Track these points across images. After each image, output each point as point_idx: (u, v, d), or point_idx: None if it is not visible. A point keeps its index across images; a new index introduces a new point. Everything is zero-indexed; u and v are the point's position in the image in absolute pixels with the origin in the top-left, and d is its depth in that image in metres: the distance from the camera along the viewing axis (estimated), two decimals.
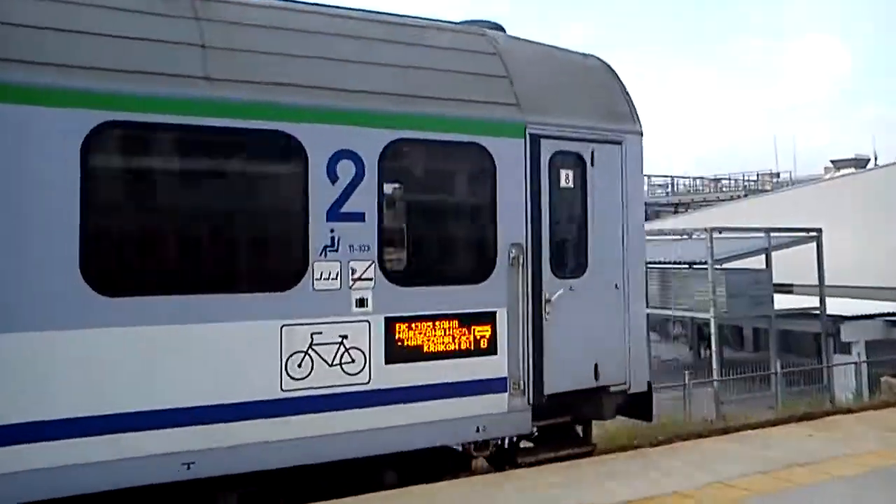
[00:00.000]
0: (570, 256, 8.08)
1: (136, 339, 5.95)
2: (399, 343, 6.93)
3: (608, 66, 8.77)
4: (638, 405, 8.61)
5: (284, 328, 6.45)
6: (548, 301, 7.64)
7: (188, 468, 6.11)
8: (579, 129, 7.93)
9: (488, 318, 7.33)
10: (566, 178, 7.87)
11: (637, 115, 8.55)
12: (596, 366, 7.95)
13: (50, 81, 5.70)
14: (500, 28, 8.83)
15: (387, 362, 6.87)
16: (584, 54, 8.88)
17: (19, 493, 5.49)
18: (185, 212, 6.35)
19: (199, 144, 6.36)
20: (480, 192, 7.55)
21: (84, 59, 5.88)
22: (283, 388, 6.46)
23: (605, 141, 8.11)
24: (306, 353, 6.55)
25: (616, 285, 8.13)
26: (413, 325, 6.99)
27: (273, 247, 6.76)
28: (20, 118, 5.57)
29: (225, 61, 6.39)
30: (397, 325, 6.92)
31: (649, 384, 8.56)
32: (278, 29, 6.82)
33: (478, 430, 7.28)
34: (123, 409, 5.93)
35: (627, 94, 8.57)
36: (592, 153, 7.97)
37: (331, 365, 6.64)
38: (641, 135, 8.54)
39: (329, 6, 7.39)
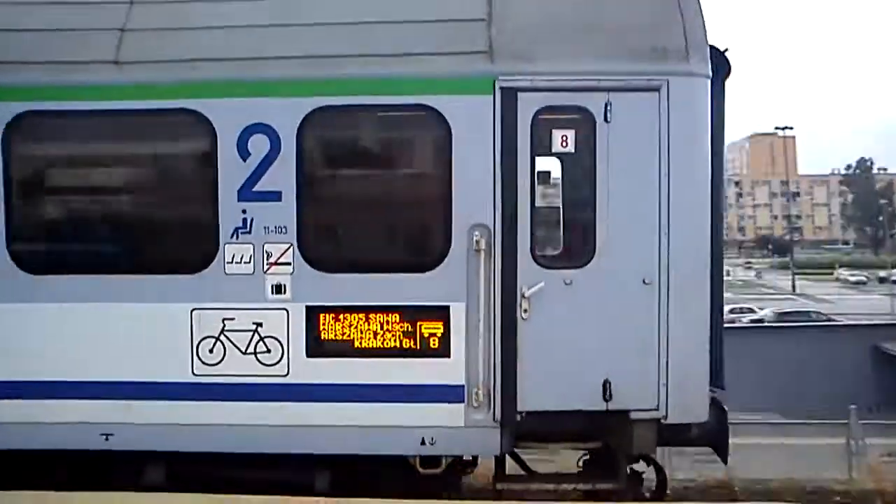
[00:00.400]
0: (565, 241, 6.30)
1: (56, 315, 6.40)
2: (323, 336, 6.23)
3: None
4: (712, 438, 6.44)
5: (195, 311, 6.30)
6: (524, 296, 6.08)
7: (106, 439, 6.40)
8: (584, 76, 6.05)
9: (439, 314, 6.15)
10: (563, 140, 6.10)
11: (697, 45, 6.14)
12: (607, 383, 6.09)
13: None
14: None
15: (309, 355, 6.25)
16: None
17: None
18: (99, 194, 6.57)
19: (110, 128, 6.47)
20: (430, 163, 6.39)
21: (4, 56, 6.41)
22: (195, 371, 6.33)
23: (628, 88, 6.05)
24: (217, 338, 6.32)
25: (645, 280, 6.07)
26: (341, 317, 6.22)
27: (184, 228, 6.59)
28: None
29: (134, 44, 6.37)
30: (321, 316, 6.23)
31: (719, 414, 6.32)
32: (188, 2, 6.54)
33: (423, 443, 6.21)
34: (49, 378, 6.45)
35: (680, 14, 6.18)
36: (607, 105, 6.01)
37: (244, 353, 6.31)
38: (704, 76, 6.17)
39: None
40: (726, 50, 6.78)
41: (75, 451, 6.46)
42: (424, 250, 6.30)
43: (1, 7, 6.66)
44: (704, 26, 6.27)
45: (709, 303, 6.29)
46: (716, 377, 6.67)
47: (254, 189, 6.20)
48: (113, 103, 6.29)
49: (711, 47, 6.34)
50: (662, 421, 6.14)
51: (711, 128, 6.48)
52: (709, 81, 6.25)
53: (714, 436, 6.46)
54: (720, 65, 6.63)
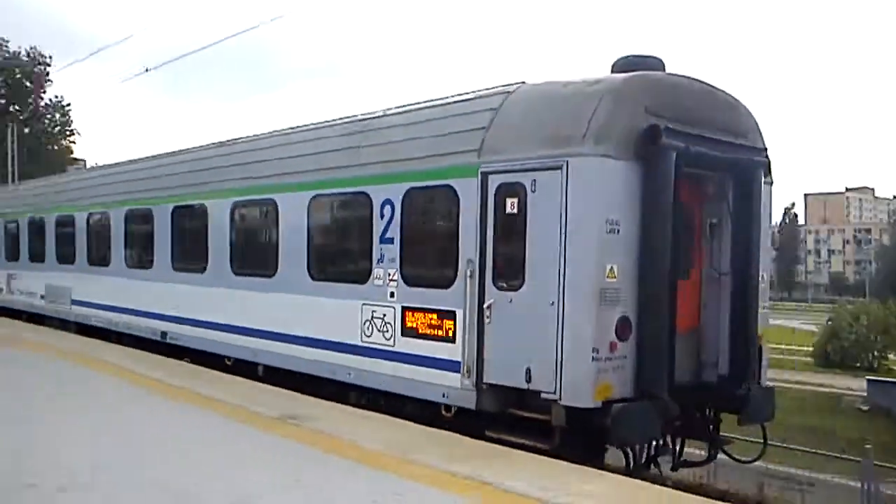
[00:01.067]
0: (509, 272, 9.27)
1: (310, 302, 12.03)
2: (407, 324, 10.50)
3: (586, 90, 9.01)
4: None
5: (364, 305, 11.15)
6: (486, 307, 9.41)
7: (333, 373, 11.68)
8: (524, 161, 9.08)
9: (452, 315, 9.87)
10: (511, 205, 9.22)
11: (599, 131, 8.55)
12: (528, 370, 9.01)
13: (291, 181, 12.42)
14: (661, 64, 9.89)
15: (401, 335, 10.58)
16: (595, 80, 9.12)
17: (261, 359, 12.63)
18: (325, 238, 11.98)
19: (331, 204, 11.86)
20: (450, 219, 10.01)
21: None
22: (361, 341, 11.20)
23: (543, 168, 8.87)
24: (370, 321, 11.05)
25: (551, 302, 8.81)
26: (414, 314, 10.41)
27: (358, 257, 11.41)
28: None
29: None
30: (407, 312, 10.52)
31: (610, 402, 8.53)
32: (357, 133, 11.47)
33: (443, 396, 9.97)
34: (302, 334, 12.13)
35: (595, 106, 8.67)
36: (533, 181, 8.97)
37: (378, 331, 10.92)
38: (601, 156, 8.55)
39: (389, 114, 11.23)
40: None
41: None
42: (446, 274, 9.99)
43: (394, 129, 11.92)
44: (623, 114, 8.68)
45: (593, 320, 8.59)
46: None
47: (384, 236, 10.81)
48: (341, 189, 11.64)
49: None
50: (559, 402, 8.72)
51: (650, 193, 8.73)
52: (609, 159, 8.59)
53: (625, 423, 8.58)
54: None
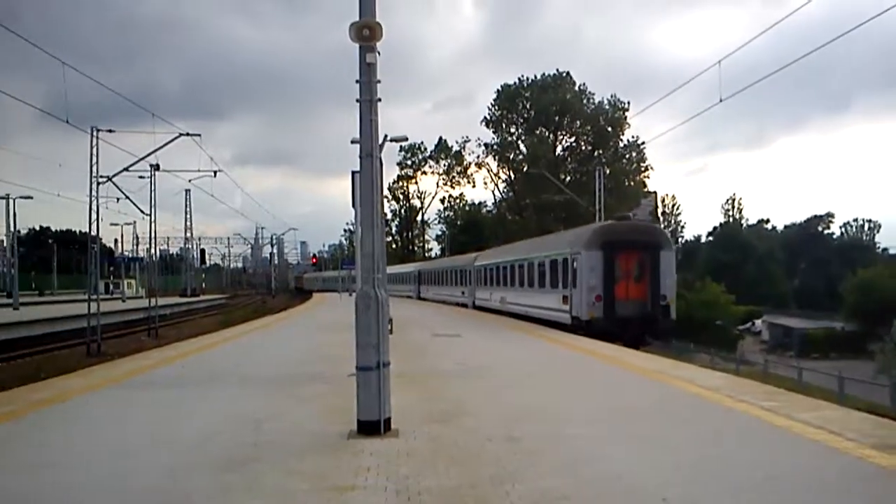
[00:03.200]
0: (573, 282, 28.97)
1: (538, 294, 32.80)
2: (561, 302, 30.73)
3: (585, 231, 28.46)
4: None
5: (561, 296, 31.49)
6: (569, 294, 29.27)
7: (542, 316, 32.30)
8: (574, 251, 28.78)
9: (567, 297, 29.82)
10: (573, 262, 28.93)
11: (587, 245, 28.04)
12: (576, 310, 28.79)
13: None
14: (627, 217, 29.04)
15: (561, 303, 30.82)
16: (587, 228, 28.32)
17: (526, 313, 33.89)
18: (532, 274, 32.62)
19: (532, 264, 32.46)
20: (564, 266, 29.88)
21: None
22: (552, 307, 31.65)
23: (577, 253, 28.44)
24: (552, 301, 31.44)
25: (580, 290, 28.52)
26: (559, 297, 30.69)
27: (562, 279, 31.64)
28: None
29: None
30: (560, 297, 30.84)
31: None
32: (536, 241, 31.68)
33: (565, 321, 29.98)
34: (530, 304, 32.97)
35: (586, 239, 28.20)
36: (577, 255, 28.58)
37: (555, 304, 31.28)
38: (589, 250, 27.98)
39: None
40: None
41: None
42: (564, 284, 29.84)
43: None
44: (594, 239, 28.02)
45: (588, 294, 28.08)
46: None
47: (549, 273, 31.06)
48: (538, 258, 32.16)
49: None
50: (581, 318, 28.34)
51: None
52: (592, 251, 27.82)
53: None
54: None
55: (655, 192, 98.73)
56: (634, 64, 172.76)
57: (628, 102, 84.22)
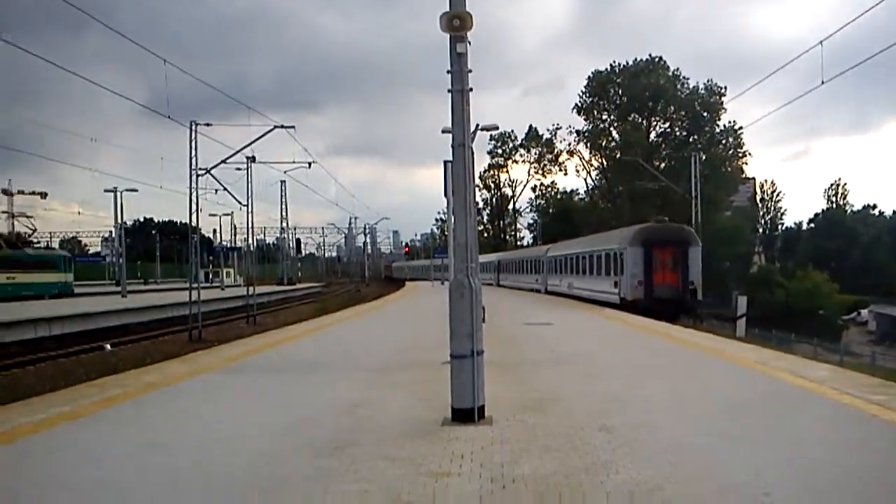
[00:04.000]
0: (623, 271, 29.04)
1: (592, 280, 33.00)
2: (612, 286, 30.85)
3: (629, 231, 28.70)
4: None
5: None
6: (618, 280, 29.45)
7: (597, 298, 32.10)
8: (621, 247, 29.51)
9: (617, 283, 30.01)
10: (622, 256, 29.15)
11: (631, 241, 28.06)
12: (623, 291, 28.82)
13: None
14: (664, 220, 29.37)
15: (612, 287, 30.85)
16: (631, 228, 28.42)
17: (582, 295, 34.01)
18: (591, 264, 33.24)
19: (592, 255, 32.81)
20: (617, 258, 29.95)
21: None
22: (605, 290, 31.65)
23: (624, 248, 29.14)
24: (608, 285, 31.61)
25: (626, 277, 28.36)
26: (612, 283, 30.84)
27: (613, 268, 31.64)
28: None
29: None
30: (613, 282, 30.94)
31: None
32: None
33: (614, 300, 30.07)
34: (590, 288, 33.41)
35: (630, 237, 28.28)
36: (624, 250, 29.09)
37: (607, 287, 31.36)
38: (633, 246, 27.82)
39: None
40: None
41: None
42: (616, 272, 30.09)
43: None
44: (637, 237, 28.29)
45: (633, 280, 27.92)
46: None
47: (606, 262, 31.15)
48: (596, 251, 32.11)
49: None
50: (627, 298, 28.86)
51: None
52: (635, 246, 28.56)
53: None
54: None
55: (754, 178, 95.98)
56: (730, 47, 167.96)
57: (725, 87, 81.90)
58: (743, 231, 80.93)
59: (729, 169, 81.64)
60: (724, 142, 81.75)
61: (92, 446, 8.13)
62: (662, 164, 78.58)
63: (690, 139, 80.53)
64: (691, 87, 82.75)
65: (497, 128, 32.56)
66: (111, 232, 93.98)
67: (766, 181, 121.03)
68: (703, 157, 69.58)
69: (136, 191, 62.93)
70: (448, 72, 8.96)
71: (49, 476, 7.02)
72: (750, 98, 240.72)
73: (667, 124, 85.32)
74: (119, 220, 65.85)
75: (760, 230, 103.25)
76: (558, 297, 41.73)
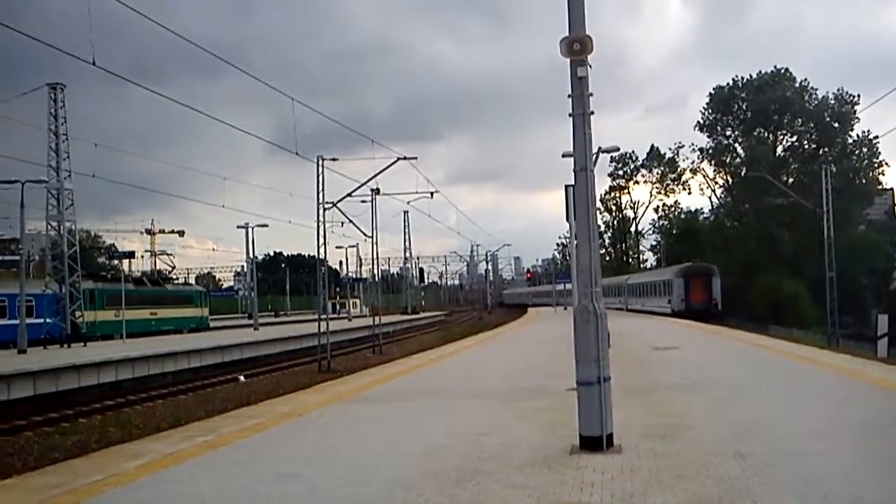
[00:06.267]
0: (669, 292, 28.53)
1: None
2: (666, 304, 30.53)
3: (671, 271, 28.36)
4: None
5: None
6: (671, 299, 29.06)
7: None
8: (670, 279, 30.26)
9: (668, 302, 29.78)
10: (669, 286, 28.74)
11: (675, 275, 26.97)
12: (672, 305, 28.46)
13: None
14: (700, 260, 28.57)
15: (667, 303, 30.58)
16: (674, 268, 27.74)
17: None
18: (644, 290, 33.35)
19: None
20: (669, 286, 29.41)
21: None
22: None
23: (671, 280, 28.88)
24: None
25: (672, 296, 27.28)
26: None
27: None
28: None
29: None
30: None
31: None
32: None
33: (667, 312, 29.57)
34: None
35: (673, 275, 27.93)
36: (671, 281, 29.28)
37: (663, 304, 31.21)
38: (676, 277, 26.81)
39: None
40: None
41: None
42: (667, 294, 30.11)
43: None
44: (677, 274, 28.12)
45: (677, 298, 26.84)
46: None
47: (660, 287, 31.06)
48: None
49: None
50: (675, 310, 28.41)
51: None
52: (679, 277, 29.90)
53: None
54: None
55: (892, 190, 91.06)
56: (864, 53, 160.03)
57: (857, 95, 78.31)
58: (880, 245, 76.60)
59: (863, 181, 77.82)
60: (857, 153, 78.11)
61: (234, 474, 8.44)
62: (791, 179, 75.41)
63: (820, 152, 77.20)
64: (820, 97, 79.52)
65: (618, 149, 32.72)
66: (243, 266, 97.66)
67: None
68: (835, 170, 66.48)
69: (266, 226, 64.84)
70: (569, 96, 8.94)
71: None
72: (888, 104, 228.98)
73: (794, 137, 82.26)
74: (251, 255, 68.38)
75: None
76: (637, 312, 48.25)
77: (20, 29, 18.70)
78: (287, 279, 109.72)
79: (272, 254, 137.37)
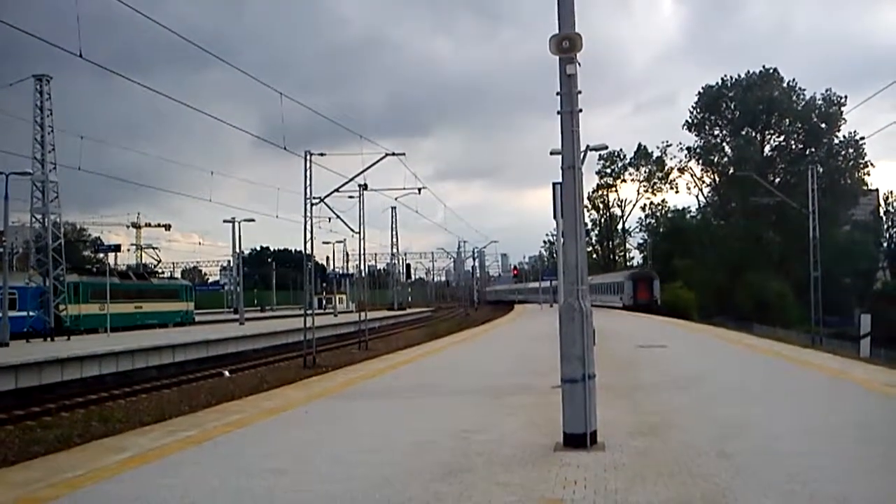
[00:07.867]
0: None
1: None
2: None
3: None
4: None
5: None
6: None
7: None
8: (622, 280, 29.07)
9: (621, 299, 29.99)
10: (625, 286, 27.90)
11: (625, 277, 26.78)
12: None
13: None
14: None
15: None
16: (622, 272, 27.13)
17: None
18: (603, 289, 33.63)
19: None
20: (620, 287, 29.11)
21: None
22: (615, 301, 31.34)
23: (624, 282, 28.65)
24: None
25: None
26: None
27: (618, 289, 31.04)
28: None
29: None
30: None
31: None
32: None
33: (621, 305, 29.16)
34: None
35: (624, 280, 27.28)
36: (623, 283, 29.40)
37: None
38: (625, 280, 26.51)
39: None
40: None
41: None
42: (617, 291, 30.03)
43: None
44: (629, 275, 27.88)
45: None
46: None
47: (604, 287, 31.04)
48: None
49: None
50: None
51: None
52: (627, 280, 30.28)
53: None
54: None
55: (877, 190, 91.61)
56: (852, 54, 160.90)
57: (845, 96, 79.14)
58: (864, 246, 77.21)
59: (849, 181, 78.53)
60: (843, 153, 78.82)
61: (217, 468, 8.38)
62: (777, 179, 76.14)
63: (807, 152, 77.90)
64: (807, 98, 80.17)
65: (606, 147, 32.33)
66: (229, 261, 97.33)
67: (890, 192, 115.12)
68: (821, 171, 66.85)
69: (253, 221, 64.51)
70: (557, 94, 8.91)
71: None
72: (875, 105, 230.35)
73: (782, 138, 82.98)
74: (237, 250, 68.15)
75: (885, 244, 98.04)
76: (596, 307, 55.19)
77: (6, 20, 18.49)
78: (273, 274, 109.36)
79: (259, 248, 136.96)
